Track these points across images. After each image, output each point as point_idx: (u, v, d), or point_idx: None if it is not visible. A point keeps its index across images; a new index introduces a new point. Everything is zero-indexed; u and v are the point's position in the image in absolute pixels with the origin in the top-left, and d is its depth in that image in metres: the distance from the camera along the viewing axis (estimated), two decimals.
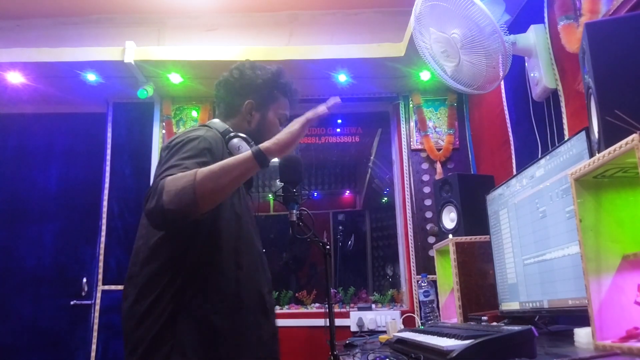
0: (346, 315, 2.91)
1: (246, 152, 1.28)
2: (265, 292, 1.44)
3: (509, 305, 1.77)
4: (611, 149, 0.95)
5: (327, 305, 1.57)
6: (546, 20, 2.05)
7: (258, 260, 1.46)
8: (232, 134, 1.44)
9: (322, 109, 1.39)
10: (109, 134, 3.22)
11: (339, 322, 2.76)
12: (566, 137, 1.77)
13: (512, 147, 2.44)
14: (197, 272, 1.30)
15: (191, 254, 1.31)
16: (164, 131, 3.16)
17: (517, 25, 2.28)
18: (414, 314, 2.86)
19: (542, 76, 2.03)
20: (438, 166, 3.08)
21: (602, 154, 0.99)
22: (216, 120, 1.54)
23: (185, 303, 1.27)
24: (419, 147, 3.16)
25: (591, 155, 1.21)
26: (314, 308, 3.06)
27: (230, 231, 1.37)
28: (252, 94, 1.56)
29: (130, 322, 1.29)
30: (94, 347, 2.91)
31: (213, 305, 1.30)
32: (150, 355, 1.24)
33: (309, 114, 1.37)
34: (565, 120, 1.94)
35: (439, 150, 3.12)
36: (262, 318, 1.40)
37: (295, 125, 1.34)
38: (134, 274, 1.34)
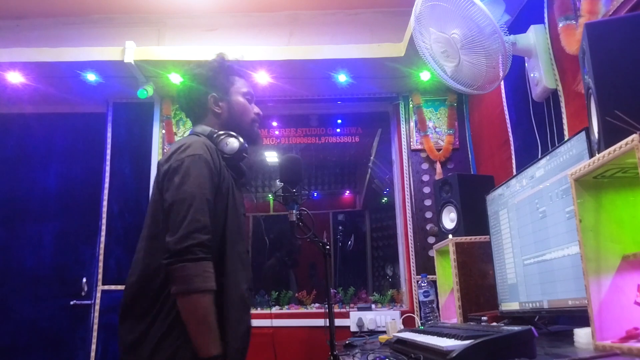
0: (346, 315, 2.91)
1: (217, 342, 1.33)
2: (245, 289, 1.48)
3: (509, 305, 1.77)
4: (611, 149, 0.95)
5: (327, 306, 1.58)
6: (546, 20, 2.05)
7: (239, 260, 1.49)
8: (215, 135, 1.53)
9: None
10: (109, 134, 3.22)
11: (338, 322, 2.75)
12: (566, 138, 1.77)
13: (512, 148, 2.44)
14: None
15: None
16: (163, 131, 3.16)
17: (517, 26, 2.28)
18: (413, 314, 2.86)
19: (542, 76, 2.03)
20: (438, 166, 3.08)
21: (602, 154, 0.99)
22: (202, 126, 1.60)
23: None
24: (419, 147, 3.16)
25: (591, 155, 1.21)
26: (313, 308, 3.06)
27: (232, 235, 1.46)
28: (209, 88, 1.61)
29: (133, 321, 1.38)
30: (93, 347, 2.90)
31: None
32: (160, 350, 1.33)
33: None
34: (565, 121, 1.94)
35: (438, 150, 3.12)
36: (244, 314, 1.47)
37: None
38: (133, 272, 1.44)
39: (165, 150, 3.12)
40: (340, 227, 4.36)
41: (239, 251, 1.47)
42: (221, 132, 1.53)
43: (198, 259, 1.30)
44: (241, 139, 1.53)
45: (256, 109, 1.67)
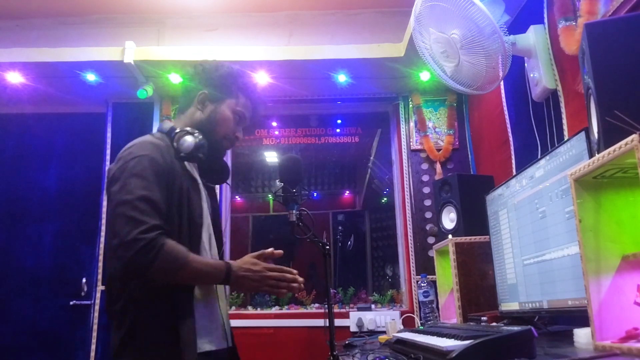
0: (346, 315, 2.91)
1: (221, 266, 1.37)
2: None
3: (509, 305, 1.77)
4: (611, 149, 0.96)
5: (326, 306, 1.57)
6: (546, 20, 2.05)
7: None
8: (175, 132, 1.48)
9: (283, 292, 1.49)
10: (109, 134, 3.22)
11: (338, 322, 2.76)
12: (566, 138, 1.77)
13: (512, 148, 2.44)
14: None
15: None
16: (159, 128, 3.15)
17: (517, 26, 2.28)
18: (413, 314, 2.86)
19: (541, 76, 2.03)
20: (438, 166, 3.08)
21: (601, 154, 0.99)
22: (166, 121, 1.61)
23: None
24: (419, 147, 3.16)
25: (591, 155, 1.21)
26: (313, 308, 3.06)
27: (186, 239, 1.39)
28: (207, 85, 1.57)
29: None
30: (93, 347, 2.90)
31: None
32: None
33: (271, 288, 1.46)
34: (564, 121, 1.94)
35: (438, 150, 3.12)
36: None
37: (257, 284, 1.43)
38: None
39: None
40: (340, 227, 4.36)
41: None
42: (179, 130, 1.48)
43: (156, 254, 1.23)
44: (200, 138, 1.46)
45: (238, 132, 1.59)
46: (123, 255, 1.23)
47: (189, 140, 1.46)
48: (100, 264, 3.01)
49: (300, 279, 1.51)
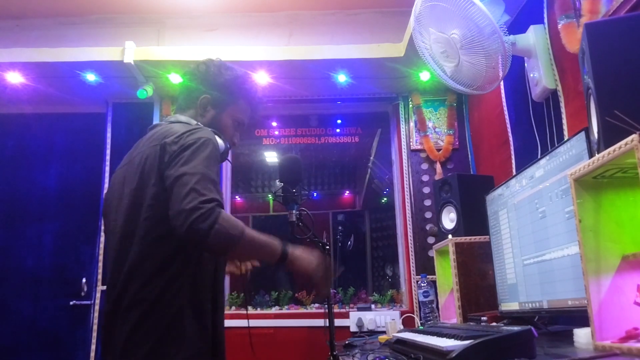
0: (346, 315, 2.91)
1: (278, 243, 1.36)
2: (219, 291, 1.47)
3: (509, 305, 1.77)
4: (611, 149, 0.96)
5: (326, 306, 1.57)
6: (546, 20, 2.05)
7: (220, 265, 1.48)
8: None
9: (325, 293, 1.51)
10: (109, 134, 3.22)
11: (338, 322, 2.75)
12: (566, 138, 1.77)
13: (512, 148, 2.44)
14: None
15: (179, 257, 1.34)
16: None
17: (517, 26, 2.28)
18: (413, 314, 2.86)
19: (541, 76, 2.03)
20: (438, 166, 3.08)
21: (601, 154, 0.99)
22: (178, 116, 1.56)
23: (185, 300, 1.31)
24: (419, 147, 3.16)
25: (591, 155, 1.21)
26: (313, 308, 3.06)
27: None
28: (211, 90, 1.55)
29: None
30: (93, 347, 2.90)
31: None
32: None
33: (323, 288, 1.47)
34: (564, 121, 1.94)
35: (438, 150, 3.12)
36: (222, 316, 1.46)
37: (317, 274, 1.42)
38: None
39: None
40: (340, 227, 4.36)
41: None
42: (211, 130, 1.46)
43: (215, 220, 1.21)
44: (224, 139, 1.49)
45: (236, 138, 1.61)
46: (183, 222, 1.20)
47: (220, 143, 1.46)
48: (101, 264, 3.01)
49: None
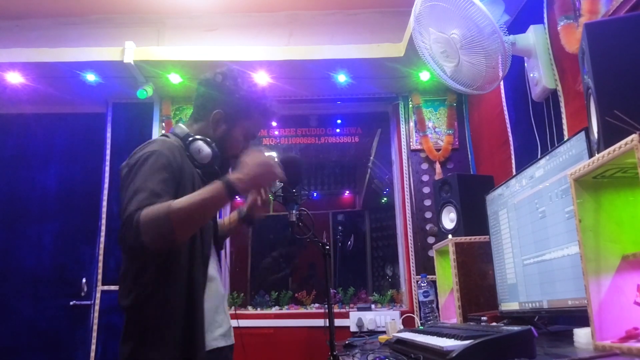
0: (346, 315, 2.91)
1: (216, 184, 1.29)
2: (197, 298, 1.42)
3: (509, 305, 1.77)
4: (610, 149, 0.96)
5: (326, 306, 1.57)
6: (546, 20, 2.05)
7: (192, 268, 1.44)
8: (191, 138, 1.47)
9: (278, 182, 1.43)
10: (109, 134, 3.22)
11: (338, 322, 2.76)
12: (566, 138, 1.77)
13: (512, 148, 2.44)
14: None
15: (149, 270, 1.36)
16: (163, 131, 3.16)
17: (517, 26, 2.28)
18: (413, 314, 2.86)
19: (541, 76, 2.03)
20: (437, 166, 3.08)
21: (601, 154, 0.99)
22: (180, 125, 1.55)
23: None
24: (419, 147, 3.16)
25: (591, 155, 1.21)
26: (313, 308, 3.06)
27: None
28: (225, 105, 1.53)
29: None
30: (93, 347, 2.90)
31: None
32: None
33: (272, 175, 1.38)
34: (564, 121, 1.94)
35: (438, 150, 3.12)
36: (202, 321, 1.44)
37: (268, 171, 1.36)
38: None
39: None
40: (340, 227, 4.36)
41: (195, 258, 1.40)
42: (199, 137, 1.47)
43: (137, 221, 1.21)
44: (213, 147, 1.47)
45: (243, 151, 1.54)
46: (124, 243, 1.26)
47: (203, 148, 1.45)
48: (101, 264, 3.02)
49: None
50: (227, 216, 1.76)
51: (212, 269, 1.49)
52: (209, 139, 1.47)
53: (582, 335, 1.16)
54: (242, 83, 1.54)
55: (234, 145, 1.54)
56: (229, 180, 1.29)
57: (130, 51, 2.76)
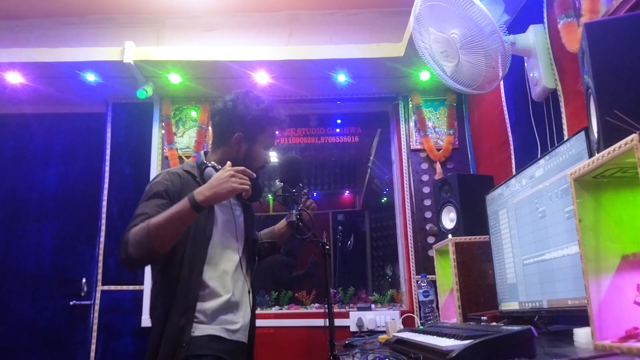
0: (346, 315, 2.91)
1: (184, 201, 1.46)
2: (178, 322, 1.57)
3: (509, 305, 1.77)
4: (610, 149, 0.96)
5: (326, 306, 1.57)
6: (545, 20, 2.05)
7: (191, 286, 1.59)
8: (204, 165, 1.64)
9: (245, 187, 1.51)
10: (109, 134, 3.22)
11: (338, 322, 2.76)
12: (565, 137, 1.77)
13: (512, 147, 2.44)
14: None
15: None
16: (163, 131, 3.16)
17: (517, 25, 2.28)
18: (413, 314, 2.86)
19: (541, 76, 2.03)
20: (437, 166, 3.08)
21: (601, 154, 0.99)
22: (200, 154, 1.73)
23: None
24: (419, 147, 3.16)
25: (590, 155, 1.21)
26: (313, 308, 3.06)
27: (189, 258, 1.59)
28: (241, 127, 1.68)
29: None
30: (93, 347, 2.90)
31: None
32: None
33: (236, 185, 1.49)
34: (564, 121, 1.94)
35: (438, 150, 3.12)
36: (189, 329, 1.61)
37: (224, 184, 1.47)
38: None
39: (164, 151, 3.13)
40: (340, 227, 4.35)
41: (195, 276, 1.55)
42: (210, 164, 1.62)
43: (126, 242, 1.46)
44: (218, 168, 1.59)
45: (268, 158, 1.75)
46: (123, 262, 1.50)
47: (209, 172, 1.60)
48: (100, 264, 3.01)
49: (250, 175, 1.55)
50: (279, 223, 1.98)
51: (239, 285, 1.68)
52: (218, 166, 1.60)
53: (582, 335, 1.16)
54: (250, 104, 1.69)
55: (259, 159, 1.71)
56: (192, 194, 1.46)
57: (130, 51, 2.76)
